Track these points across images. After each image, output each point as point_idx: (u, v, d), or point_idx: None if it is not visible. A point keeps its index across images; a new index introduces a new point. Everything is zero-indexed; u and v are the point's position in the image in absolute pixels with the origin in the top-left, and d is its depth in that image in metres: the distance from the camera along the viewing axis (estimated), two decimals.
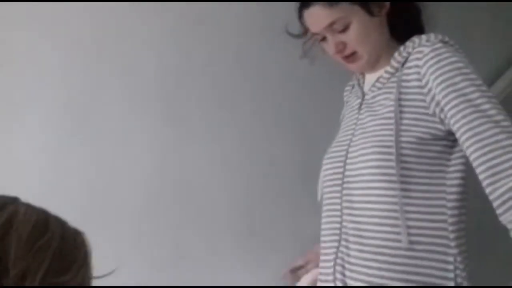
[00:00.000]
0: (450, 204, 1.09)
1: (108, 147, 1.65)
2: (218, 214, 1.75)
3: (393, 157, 1.08)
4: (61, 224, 0.73)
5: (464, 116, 1.03)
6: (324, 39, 1.21)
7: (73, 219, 1.33)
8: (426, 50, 1.11)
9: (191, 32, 1.79)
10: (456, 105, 1.04)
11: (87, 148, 1.63)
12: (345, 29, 1.16)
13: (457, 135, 1.05)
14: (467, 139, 1.02)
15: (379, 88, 1.20)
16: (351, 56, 1.19)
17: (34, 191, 1.44)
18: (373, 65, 1.22)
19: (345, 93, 1.41)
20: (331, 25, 1.16)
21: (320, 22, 1.17)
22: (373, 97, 1.20)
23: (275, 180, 1.84)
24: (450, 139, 1.11)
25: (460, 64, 1.08)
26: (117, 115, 1.67)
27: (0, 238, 0.64)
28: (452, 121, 1.05)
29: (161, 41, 1.76)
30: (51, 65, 1.62)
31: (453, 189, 1.10)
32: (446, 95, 1.06)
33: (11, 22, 1.58)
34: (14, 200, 0.72)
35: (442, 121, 1.09)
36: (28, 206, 0.71)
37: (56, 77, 1.62)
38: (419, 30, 1.23)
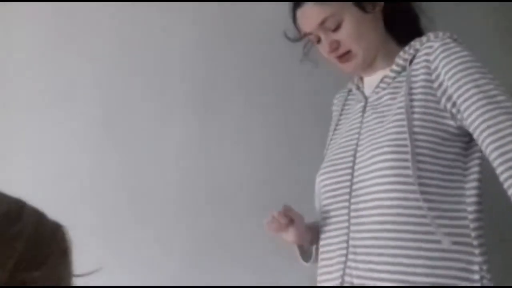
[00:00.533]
0: (470, 208, 1.03)
1: (141, 148, 1.69)
2: (255, 213, 1.58)
3: (408, 156, 1.01)
4: (37, 215, 0.69)
5: (478, 108, 0.99)
6: (319, 40, 1.18)
7: (112, 218, 1.52)
8: (436, 44, 1.08)
9: (221, 37, 1.78)
10: (469, 97, 1.00)
11: (123, 149, 1.68)
12: (337, 27, 1.13)
13: (472, 127, 1.00)
14: (482, 130, 0.97)
15: (384, 89, 1.15)
16: (346, 55, 1.16)
17: (72, 190, 1.58)
18: (369, 64, 1.18)
19: (334, 101, 1.36)
20: (323, 22, 1.14)
21: (312, 20, 1.14)
22: (378, 98, 1.15)
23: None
24: (464, 140, 1.06)
25: (471, 58, 1.05)
26: (151, 117, 1.71)
27: None
28: (466, 114, 1.01)
29: (190, 45, 1.76)
30: (88, 71, 1.68)
31: (472, 192, 1.04)
32: (459, 88, 1.02)
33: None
34: None
35: (453, 116, 1.04)
36: (3, 197, 0.68)
37: (93, 82, 1.68)
38: (418, 32, 1.20)
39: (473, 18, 1.91)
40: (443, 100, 1.05)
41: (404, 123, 1.04)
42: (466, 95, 1.01)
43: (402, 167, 1.02)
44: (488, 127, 0.96)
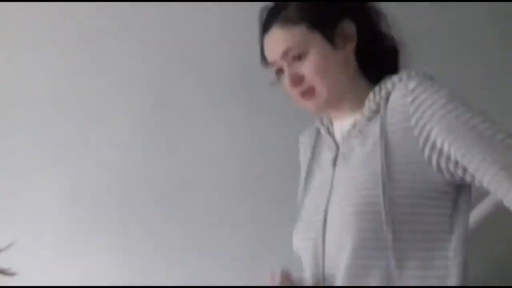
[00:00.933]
0: (451, 262, 0.94)
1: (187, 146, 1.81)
2: None
3: (382, 217, 0.91)
4: None
5: (474, 151, 0.88)
6: (282, 72, 1.05)
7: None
8: (412, 85, 0.95)
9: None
10: (465, 141, 0.89)
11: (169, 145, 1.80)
12: (301, 58, 1.01)
13: (477, 173, 0.88)
14: (484, 174, 0.87)
15: (355, 137, 1.02)
16: (308, 93, 1.03)
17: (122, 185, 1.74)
18: (334, 105, 1.04)
19: (300, 140, 1.21)
20: (286, 52, 1.01)
21: (277, 47, 1.02)
22: (350, 149, 1.03)
23: None
24: (452, 198, 0.95)
25: (452, 96, 0.93)
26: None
27: None
28: (465, 160, 0.89)
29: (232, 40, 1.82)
30: (138, 71, 1.81)
31: (457, 248, 0.94)
32: (449, 132, 0.90)
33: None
34: None
35: (439, 168, 0.92)
36: None
37: (141, 82, 1.81)
38: (395, 68, 1.07)
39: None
40: (427, 149, 0.92)
41: (379, 179, 0.93)
42: (460, 141, 0.89)
43: (375, 229, 0.92)
44: (490, 170, 0.86)
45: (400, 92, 0.97)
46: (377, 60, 1.06)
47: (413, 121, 0.93)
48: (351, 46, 1.03)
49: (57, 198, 1.78)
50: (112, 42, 1.85)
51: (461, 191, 0.96)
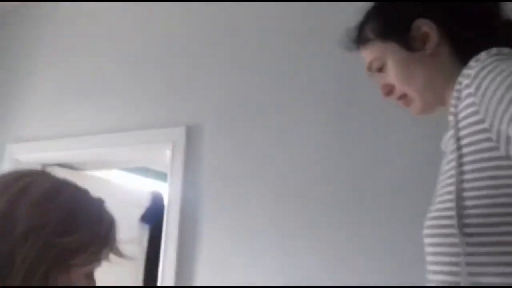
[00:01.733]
0: None
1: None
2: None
3: (455, 231, 0.79)
4: (77, 191, 0.79)
5: None
6: None
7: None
8: (473, 72, 0.82)
9: None
10: None
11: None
12: (382, 70, 1.01)
13: None
14: None
15: (450, 137, 0.90)
16: (404, 99, 1.01)
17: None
18: (437, 105, 0.98)
19: (442, 141, 1.04)
20: (369, 67, 1.03)
21: (366, 63, 1.04)
22: (447, 149, 0.93)
23: None
24: None
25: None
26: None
27: (12, 202, 0.71)
28: None
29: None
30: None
31: None
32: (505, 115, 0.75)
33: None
34: (34, 173, 0.79)
35: None
36: (47, 177, 0.79)
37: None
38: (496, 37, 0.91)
39: None
40: (502, 142, 0.77)
41: (453, 188, 0.82)
42: None
43: (446, 244, 0.83)
44: None
45: (466, 81, 0.84)
46: (480, 37, 0.91)
47: (481, 113, 0.79)
48: (432, 45, 0.95)
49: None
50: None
51: None
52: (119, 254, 0.81)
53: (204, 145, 2.11)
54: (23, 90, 2.75)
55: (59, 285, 0.70)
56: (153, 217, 3.06)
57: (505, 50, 0.84)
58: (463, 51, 0.91)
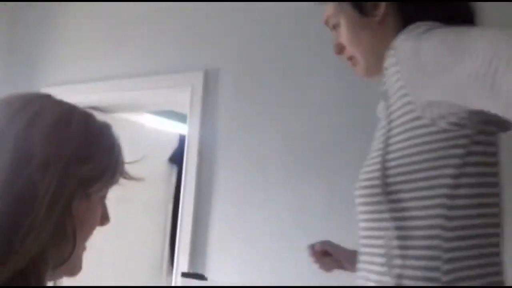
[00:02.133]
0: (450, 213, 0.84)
1: None
2: None
3: (379, 190, 0.89)
4: (86, 117, 0.75)
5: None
6: None
7: None
8: (396, 43, 0.90)
9: None
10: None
11: None
12: (336, 28, 1.05)
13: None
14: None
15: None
16: (352, 60, 1.06)
17: None
18: (379, 71, 0.99)
19: (377, 109, 1.08)
20: (326, 22, 1.07)
21: (324, 17, 1.09)
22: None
23: None
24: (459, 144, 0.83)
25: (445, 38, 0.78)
26: None
27: (26, 129, 0.67)
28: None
29: None
30: None
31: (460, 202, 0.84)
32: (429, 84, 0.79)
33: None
34: (43, 97, 0.74)
35: (433, 121, 0.82)
36: (55, 102, 0.74)
37: None
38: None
39: None
40: (420, 108, 0.83)
41: (380, 159, 0.91)
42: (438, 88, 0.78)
43: (374, 202, 0.91)
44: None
45: (390, 52, 0.91)
46: (427, 14, 0.93)
47: (403, 81, 0.85)
48: (381, 10, 0.98)
49: None
50: None
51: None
52: (129, 177, 0.80)
53: (221, 89, 2.21)
54: (53, 38, 2.88)
55: (80, 212, 0.70)
56: (181, 158, 3.20)
57: (430, 23, 0.87)
58: (408, 25, 0.92)
